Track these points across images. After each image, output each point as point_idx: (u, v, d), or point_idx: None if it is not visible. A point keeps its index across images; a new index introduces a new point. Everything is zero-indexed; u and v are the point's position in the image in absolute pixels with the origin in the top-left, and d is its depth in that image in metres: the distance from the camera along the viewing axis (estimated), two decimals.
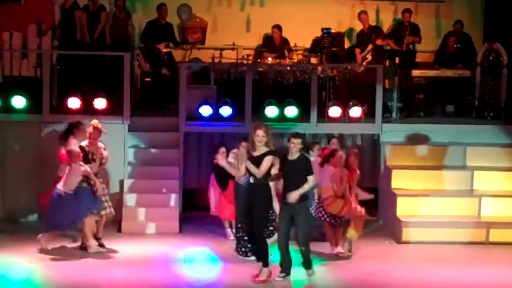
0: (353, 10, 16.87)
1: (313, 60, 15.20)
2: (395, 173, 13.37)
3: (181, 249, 11.74)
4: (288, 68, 14.04)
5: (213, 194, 12.61)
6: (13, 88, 13.64)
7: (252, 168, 10.08)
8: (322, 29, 15.25)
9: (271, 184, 10.44)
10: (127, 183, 13.17)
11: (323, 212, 11.58)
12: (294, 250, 10.35)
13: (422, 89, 15.44)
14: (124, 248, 11.74)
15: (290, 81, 13.94)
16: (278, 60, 14.98)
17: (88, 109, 13.40)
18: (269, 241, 10.69)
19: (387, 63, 15.14)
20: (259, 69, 14.51)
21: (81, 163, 11.30)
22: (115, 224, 12.75)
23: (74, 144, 11.48)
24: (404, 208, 12.88)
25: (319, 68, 13.99)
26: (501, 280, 10.75)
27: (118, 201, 12.77)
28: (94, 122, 11.81)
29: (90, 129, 11.68)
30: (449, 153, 13.74)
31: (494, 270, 11.16)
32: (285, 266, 10.33)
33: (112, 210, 11.86)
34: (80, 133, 11.65)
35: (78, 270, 10.72)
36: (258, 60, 15.44)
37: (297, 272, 10.38)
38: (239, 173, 10.66)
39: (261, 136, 10.07)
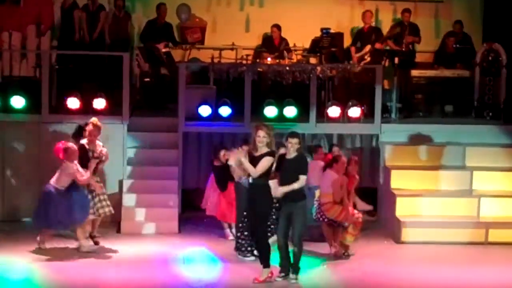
0: (352, 10, 16.88)
1: (312, 60, 15.17)
2: (394, 173, 13.36)
3: (180, 249, 11.73)
4: (288, 68, 14.01)
5: (211, 194, 12.58)
6: (12, 88, 13.63)
7: (248, 166, 10.02)
8: (322, 29, 15.21)
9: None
10: (126, 183, 13.16)
11: (321, 213, 11.60)
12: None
13: (421, 89, 15.43)
14: (123, 248, 11.74)
15: (289, 81, 13.91)
16: (277, 60, 14.96)
17: (87, 109, 13.40)
18: (269, 241, 10.66)
19: (387, 63, 15.13)
20: (258, 69, 14.45)
21: (75, 162, 11.29)
22: (114, 224, 12.75)
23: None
24: (403, 208, 12.87)
25: (318, 68, 13.96)
26: (500, 280, 10.76)
27: (117, 201, 12.75)
28: (94, 120, 11.84)
29: (89, 127, 11.70)
30: (448, 153, 13.72)
31: (493, 270, 11.16)
32: (285, 266, 10.33)
33: (111, 209, 11.85)
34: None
35: (77, 270, 10.71)
36: (257, 60, 15.41)
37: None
38: (252, 169, 10.15)
39: (262, 137, 10.03)
